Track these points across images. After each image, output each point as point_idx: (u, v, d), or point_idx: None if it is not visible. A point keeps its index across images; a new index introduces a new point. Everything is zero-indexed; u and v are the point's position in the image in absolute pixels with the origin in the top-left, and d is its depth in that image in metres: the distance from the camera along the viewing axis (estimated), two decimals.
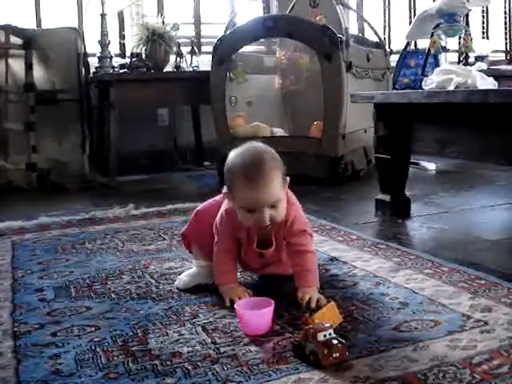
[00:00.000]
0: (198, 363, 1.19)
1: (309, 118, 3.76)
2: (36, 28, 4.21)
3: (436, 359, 1.16)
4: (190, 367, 1.17)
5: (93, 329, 1.39)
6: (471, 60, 4.93)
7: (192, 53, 4.29)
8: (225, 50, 3.79)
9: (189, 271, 1.72)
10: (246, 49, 4.10)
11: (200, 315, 1.45)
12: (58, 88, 3.88)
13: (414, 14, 5.47)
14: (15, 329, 1.41)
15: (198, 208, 1.75)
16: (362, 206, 2.85)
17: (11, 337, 1.36)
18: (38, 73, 3.85)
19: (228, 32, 3.85)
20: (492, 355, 1.17)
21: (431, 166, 4.02)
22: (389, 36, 5.65)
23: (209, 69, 3.90)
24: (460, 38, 4.47)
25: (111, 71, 4.07)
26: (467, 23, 4.63)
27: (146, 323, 1.41)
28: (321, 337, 1.17)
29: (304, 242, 1.57)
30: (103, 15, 4.11)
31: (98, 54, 4.13)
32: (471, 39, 3.93)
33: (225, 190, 1.55)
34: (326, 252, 1.99)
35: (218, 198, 1.67)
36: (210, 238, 1.63)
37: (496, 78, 2.65)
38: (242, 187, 1.46)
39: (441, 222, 2.46)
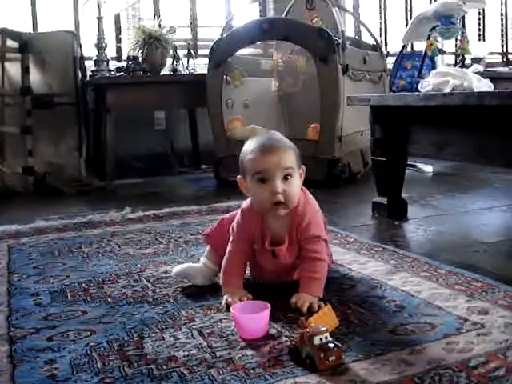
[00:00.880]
0: (194, 367, 1.18)
1: (305, 121, 3.76)
2: (32, 31, 4.22)
3: (432, 362, 1.16)
4: (186, 371, 1.16)
5: (89, 333, 1.38)
6: (468, 62, 4.95)
7: (189, 56, 4.29)
8: (221, 53, 3.80)
9: (193, 264, 1.74)
10: (243, 52, 4.11)
11: (196, 319, 1.45)
12: (54, 91, 3.88)
13: (411, 17, 5.48)
14: (11, 333, 1.40)
15: (224, 216, 1.77)
16: (359, 209, 2.85)
17: (7, 341, 1.35)
18: (35, 76, 3.85)
19: (224, 35, 3.86)
20: (488, 358, 1.17)
21: (428, 168, 4.02)
22: (385, 38, 5.67)
23: (205, 72, 3.91)
24: (456, 40, 4.49)
25: (108, 74, 4.08)
26: (463, 25, 4.65)
27: (142, 327, 1.41)
28: (317, 340, 1.16)
29: (318, 249, 1.57)
30: (100, 18, 4.12)
31: (95, 58, 4.13)
32: (467, 41, 3.95)
33: (238, 176, 1.57)
34: None
35: (243, 208, 1.66)
36: (227, 245, 1.64)
37: (492, 79, 2.65)
38: (255, 155, 1.50)
39: (437, 225, 2.46)
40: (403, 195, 2.67)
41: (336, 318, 1.34)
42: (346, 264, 1.88)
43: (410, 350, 1.22)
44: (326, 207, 2.88)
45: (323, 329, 1.20)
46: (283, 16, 4.21)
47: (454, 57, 5.38)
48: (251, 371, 1.15)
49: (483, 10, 6.07)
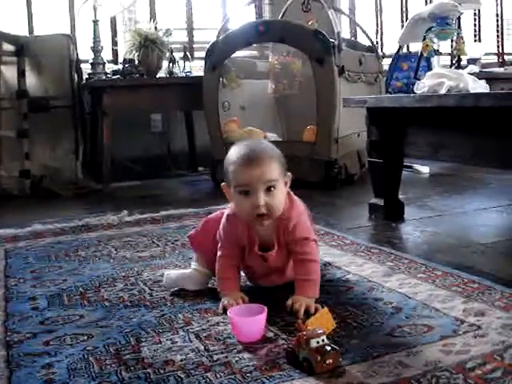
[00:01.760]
0: (191, 371, 1.18)
1: (302, 123, 3.76)
2: (28, 35, 4.20)
3: (429, 364, 1.16)
4: (182, 375, 1.16)
5: (85, 337, 1.38)
6: (463, 63, 4.96)
7: (185, 58, 4.28)
8: (217, 56, 3.80)
9: (183, 271, 1.74)
10: (239, 54, 4.11)
11: (193, 322, 1.45)
12: (50, 95, 3.88)
13: (406, 18, 5.48)
14: (8, 338, 1.40)
15: (208, 216, 1.77)
16: (356, 210, 2.86)
17: (4, 346, 1.35)
18: (31, 79, 3.85)
19: (221, 37, 3.86)
20: (485, 360, 1.17)
21: (425, 170, 4.02)
22: (381, 40, 5.67)
23: (202, 74, 3.91)
24: (452, 41, 4.50)
25: (104, 77, 4.07)
26: (459, 26, 4.65)
27: (138, 331, 1.41)
28: (314, 343, 1.17)
29: (308, 251, 1.56)
30: (95, 21, 4.11)
31: (91, 61, 4.13)
32: (463, 42, 3.95)
33: (223, 183, 1.56)
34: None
35: (226, 209, 1.66)
36: (213, 246, 1.64)
37: (488, 80, 2.66)
38: (237, 166, 1.47)
39: (434, 226, 2.46)
40: (400, 196, 2.67)
41: (333, 320, 1.34)
42: (342, 266, 1.88)
43: (407, 352, 1.22)
44: (323, 209, 2.90)
45: (320, 331, 1.20)
46: (279, 18, 4.21)
47: (449, 58, 5.38)
48: (248, 374, 1.15)
49: (479, 11, 6.07)
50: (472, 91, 2.33)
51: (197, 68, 4.26)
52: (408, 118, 2.47)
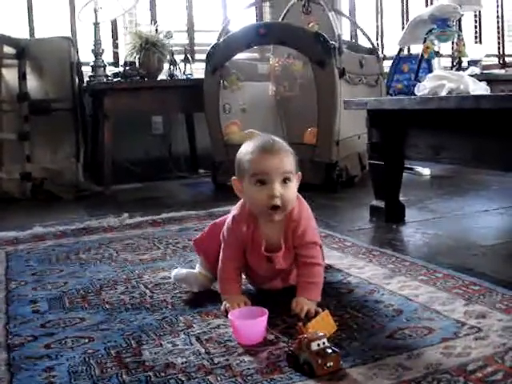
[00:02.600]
0: (192, 374, 1.18)
1: (303, 125, 3.76)
2: (29, 37, 4.21)
3: (430, 367, 1.16)
4: (183, 378, 1.16)
5: (86, 340, 1.38)
6: (464, 65, 4.96)
7: (185, 61, 4.29)
8: (218, 58, 3.81)
9: (191, 271, 1.74)
10: (240, 56, 4.11)
11: (194, 325, 1.45)
12: (51, 97, 3.87)
13: (407, 20, 5.49)
14: (9, 341, 1.40)
15: (215, 221, 1.75)
16: (357, 213, 2.86)
17: (5, 349, 1.35)
18: (32, 82, 3.85)
19: (221, 40, 3.86)
20: (486, 362, 1.17)
21: (426, 172, 4.03)
22: (382, 42, 5.67)
23: (202, 76, 3.91)
24: (453, 42, 4.50)
25: (105, 80, 4.08)
26: (460, 28, 4.66)
27: (139, 334, 1.41)
28: (315, 346, 1.17)
29: (314, 254, 1.56)
30: (96, 24, 4.12)
31: (92, 63, 4.14)
32: (464, 44, 3.95)
33: (233, 177, 1.55)
34: None
35: (232, 211, 1.64)
36: (218, 252, 1.63)
37: (489, 82, 2.66)
38: (255, 156, 1.47)
39: (435, 228, 2.46)
40: (401, 198, 2.67)
41: (334, 323, 1.34)
42: (343, 268, 1.88)
43: (408, 355, 1.22)
44: (324, 211, 2.90)
45: (321, 334, 1.20)
46: (280, 20, 4.21)
47: (450, 59, 5.38)
48: (249, 377, 1.15)
49: (479, 13, 6.08)
50: (472, 93, 2.34)
51: (197, 70, 4.26)
52: (409, 120, 2.48)
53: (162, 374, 1.19)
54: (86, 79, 4.14)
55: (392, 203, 2.63)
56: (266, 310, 1.36)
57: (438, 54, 3.94)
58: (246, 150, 1.51)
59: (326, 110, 3.48)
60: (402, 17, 5.79)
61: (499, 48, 6.31)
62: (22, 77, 3.79)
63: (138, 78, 3.99)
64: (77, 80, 4.02)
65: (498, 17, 6.28)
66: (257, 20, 5.07)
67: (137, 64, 4.02)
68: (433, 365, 1.17)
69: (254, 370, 1.18)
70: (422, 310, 1.48)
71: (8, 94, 3.81)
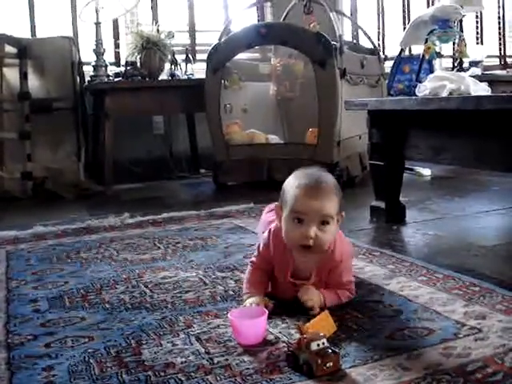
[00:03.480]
0: (192, 374, 1.18)
1: (304, 125, 3.77)
2: (30, 37, 4.22)
3: (430, 368, 1.16)
4: (183, 378, 1.16)
5: (86, 340, 1.38)
6: (465, 65, 4.95)
7: (187, 61, 4.29)
8: (219, 58, 3.81)
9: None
10: (241, 56, 4.11)
11: (194, 325, 1.45)
12: (52, 96, 3.88)
13: (408, 21, 5.49)
14: (9, 340, 1.40)
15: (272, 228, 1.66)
16: (357, 213, 2.85)
17: (5, 348, 1.35)
18: (33, 81, 3.85)
19: (222, 40, 3.86)
20: (486, 363, 1.17)
21: (426, 172, 4.02)
22: (383, 42, 5.67)
23: (204, 76, 3.91)
24: (454, 43, 4.49)
25: (106, 80, 4.08)
26: (461, 29, 4.64)
27: (139, 334, 1.41)
28: (314, 346, 1.17)
29: (345, 294, 1.56)
30: (98, 24, 4.12)
31: (93, 63, 4.14)
32: (465, 45, 3.94)
33: (277, 203, 1.55)
34: None
35: (275, 229, 1.60)
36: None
37: (490, 83, 2.66)
38: (298, 193, 1.46)
39: (435, 228, 2.46)
40: (401, 199, 2.67)
41: (333, 323, 1.34)
42: None
43: (408, 355, 1.22)
44: None
45: (321, 334, 1.20)
46: (281, 21, 4.21)
47: (451, 60, 5.38)
48: (249, 377, 1.15)
49: (481, 14, 6.08)
50: (473, 94, 2.34)
51: (199, 70, 4.26)
52: (410, 120, 2.47)
53: (162, 374, 1.19)
54: (87, 79, 4.14)
55: (392, 204, 2.63)
56: (266, 310, 1.37)
57: (439, 54, 3.94)
58: (293, 181, 1.50)
59: (327, 111, 3.48)
60: (404, 17, 5.79)
61: (500, 49, 6.31)
62: (24, 76, 3.80)
63: (140, 77, 3.99)
64: (78, 79, 4.03)
65: (499, 18, 6.28)
66: (258, 20, 5.07)
67: (138, 64, 4.02)
68: (433, 365, 1.17)
69: (254, 370, 1.18)
70: (422, 310, 1.48)
71: (9, 93, 3.81)
